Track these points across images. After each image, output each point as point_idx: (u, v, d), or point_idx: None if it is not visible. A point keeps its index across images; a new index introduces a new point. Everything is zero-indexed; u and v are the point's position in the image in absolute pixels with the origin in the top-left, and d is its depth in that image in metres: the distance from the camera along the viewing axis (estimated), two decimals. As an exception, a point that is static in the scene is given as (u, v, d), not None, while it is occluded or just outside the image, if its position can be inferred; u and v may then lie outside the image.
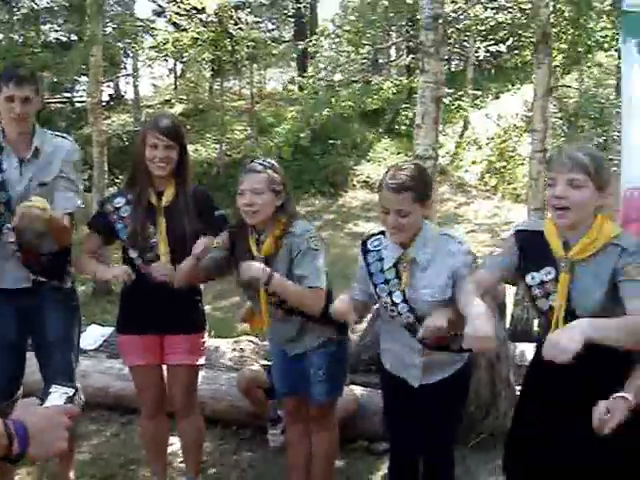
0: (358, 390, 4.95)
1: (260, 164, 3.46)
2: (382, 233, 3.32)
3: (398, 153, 18.41)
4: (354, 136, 19.17)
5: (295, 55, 20.70)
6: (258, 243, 3.50)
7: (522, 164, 15.79)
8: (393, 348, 3.40)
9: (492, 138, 17.23)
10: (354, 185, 17.79)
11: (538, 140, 8.10)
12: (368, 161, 18.60)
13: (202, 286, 3.99)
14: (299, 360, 3.67)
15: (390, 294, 3.22)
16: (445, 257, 3.14)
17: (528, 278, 2.92)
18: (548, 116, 8.63)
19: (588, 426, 2.60)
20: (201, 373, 4.49)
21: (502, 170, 17.22)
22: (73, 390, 1.76)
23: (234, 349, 6.12)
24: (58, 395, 1.73)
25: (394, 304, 3.21)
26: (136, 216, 3.68)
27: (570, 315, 2.76)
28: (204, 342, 3.95)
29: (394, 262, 3.22)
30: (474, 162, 18.05)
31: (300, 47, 14.61)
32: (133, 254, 3.71)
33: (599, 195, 2.73)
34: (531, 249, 2.94)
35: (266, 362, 5.21)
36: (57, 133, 3.91)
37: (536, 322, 7.16)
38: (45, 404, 1.72)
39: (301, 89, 15.91)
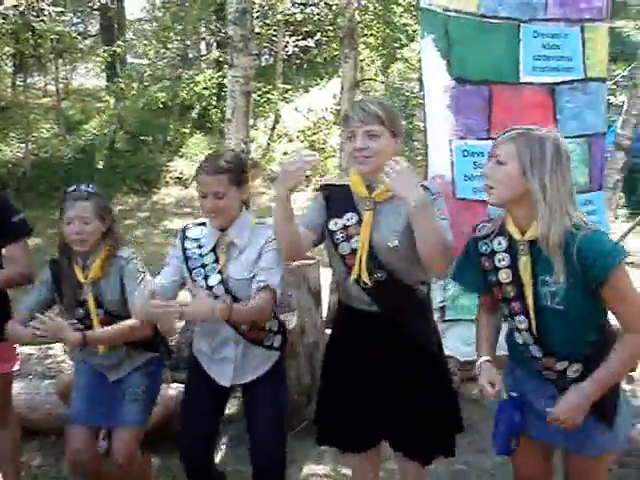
0: (177, 388, 4.91)
1: (85, 191, 3.46)
2: (203, 224, 3.40)
3: (210, 148, 18.34)
4: (166, 132, 18.93)
5: (103, 56, 20.03)
6: (84, 269, 3.45)
7: (332, 156, 16.15)
8: (206, 347, 3.42)
9: (303, 131, 17.50)
10: (167, 182, 17.56)
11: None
12: (181, 157, 18.42)
13: (9, 292, 3.82)
14: (116, 384, 3.61)
15: (206, 277, 3.28)
16: (259, 240, 3.28)
17: (331, 224, 3.10)
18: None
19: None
20: (16, 384, 4.32)
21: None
22: None
23: (47, 355, 5.94)
24: None
25: (209, 287, 3.26)
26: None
27: (372, 255, 2.98)
28: (15, 348, 3.80)
29: (213, 246, 3.30)
30: (285, 153, 18.28)
31: (109, 50, 14.22)
32: None
33: (394, 141, 2.99)
34: (335, 199, 3.14)
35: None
36: None
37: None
38: None
39: (113, 92, 15.53)
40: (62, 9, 17.03)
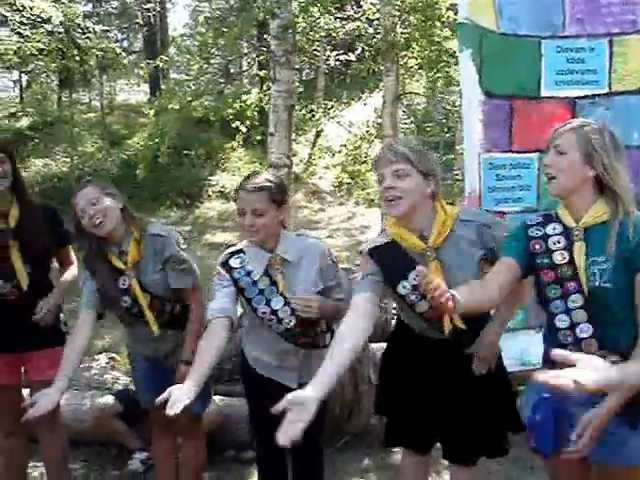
0: (222, 400, 4.94)
1: (86, 181, 3.56)
2: (240, 251, 3.34)
3: (252, 162, 18.45)
4: (208, 147, 19.08)
5: (146, 70, 20.34)
6: (121, 256, 3.44)
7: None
8: (267, 357, 3.40)
9: (344, 145, 17.53)
10: (209, 195, 17.69)
11: (389, 146, 8.31)
12: (223, 171, 18.55)
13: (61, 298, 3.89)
14: (170, 371, 3.59)
15: (268, 302, 3.25)
16: (310, 250, 3.28)
17: (400, 289, 2.96)
18: (397, 122, 8.87)
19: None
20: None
21: (355, 176, 17.56)
22: None
23: (92, 367, 5.99)
24: None
25: (274, 312, 3.24)
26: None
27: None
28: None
29: (264, 269, 3.26)
30: (327, 167, 18.32)
31: (151, 65, 14.36)
32: None
33: (427, 181, 2.89)
34: (388, 261, 2.99)
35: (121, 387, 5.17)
36: None
37: (394, 322, 7.33)
38: None
39: (156, 113, 15.67)
40: (107, 27, 17.29)
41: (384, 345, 3.48)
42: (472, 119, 4.59)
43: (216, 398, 4.89)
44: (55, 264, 3.91)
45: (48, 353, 3.70)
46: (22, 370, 3.85)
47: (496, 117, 4.56)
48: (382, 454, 4.65)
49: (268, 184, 3.21)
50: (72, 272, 3.87)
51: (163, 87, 13.34)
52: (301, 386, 3.36)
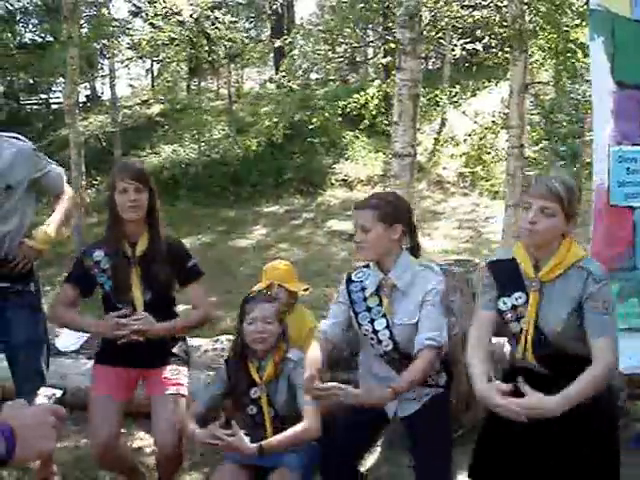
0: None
1: (269, 294, 3.69)
2: (366, 266, 3.44)
3: (377, 151, 18.44)
4: (332, 135, 19.19)
5: (272, 54, 20.74)
6: (258, 370, 3.53)
7: (500, 160, 15.87)
8: (368, 377, 3.45)
9: (470, 135, 17.29)
10: (332, 184, 17.79)
11: (515, 136, 8.16)
12: (346, 159, 18.61)
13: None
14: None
15: (372, 322, 3.30)
16: (422, 283, 3.26)
17: (500, 304, 3.06)
18: (524, 112, 8.68)
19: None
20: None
21: (480, 167, 17.29)
22: (61, 391, 1.75)
23: (214, 348, 6.11)
24: (46, 396, 1.72)
25: (375, 331, 3.29)
26: (116, 270, 3.71)
27: (538, 334, 2.94)
28: (185, 375, 3.91)
29: (376, 288, 3.32)
30: (452, 156, 18.11)
31: (276, 45, 14.59)
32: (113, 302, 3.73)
33: (567, 223, 2.92)
34: (503, 277, 3.09)
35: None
36: (9, 134, 3.91)
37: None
38: (34, 405, 1.69)
39: (278, 87, 15.90)
40: (235, 17, 17.60)
41: (500, 339, 3.44)
42: (602, 110, 4.45)
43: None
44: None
45: (165, 369, 3.81)
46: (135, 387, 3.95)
47: (628, 108, 4.40)
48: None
49: (376, 202, 3.29)
50: (197, 315, 3.90)
51: (285, 72, 13.46)
52: (395, 420, 3.37)
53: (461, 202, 16.55)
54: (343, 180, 17.79)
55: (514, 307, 3.01)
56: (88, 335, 6.14)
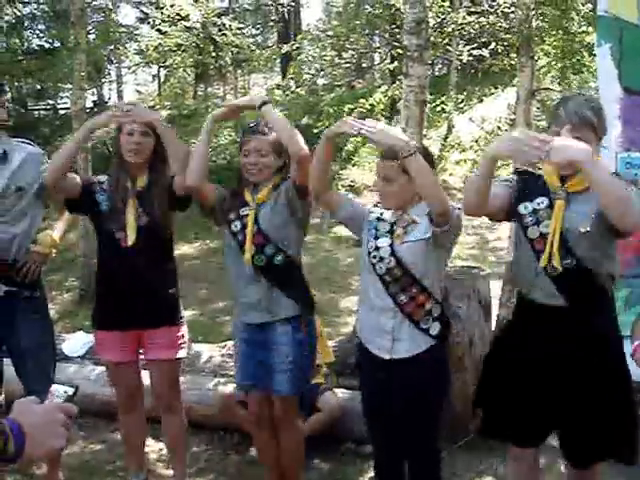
0: (343, 393, 4.96)
1: (265, 126, 3.63)
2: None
3: (383, 157, 18.44)
4: (338, 141, 19.17)
5: (278, 60, 20.78)
6: (253, 191, 3.67)
7: (506, 166, 15.87)
8: (366, 316, 3.45)
9: (476, 141, 17.28)
10: (339, 189, 17.77)
11: (521, 143, 8.13)
12: (353, 165, 18.60)
13: (179, 282, 4.02)
14: (264, 346, 3.68)
15: (376, 238, 3.34)
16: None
17: (521, 207, 3.09)
18: (531, 119, 8.66)
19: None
20: (188, 378, 4.49)
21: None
22: (73, 389, 1.75)
23: (221, 354, 6.11)
24: (57, 394, 1.72)
25: (377, 248, 3.31)
26: (113, 194, 3.76)
27: (562, 237, 2.94)
28: (183, 335, 3.97)
29: (393, 221, 3.34)
30: (458, 163, 18.08)
31: (283, 50, 14.61)
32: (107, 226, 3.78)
33: (597, 141, 2.97)
34: (527, 184, 3.12)
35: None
36: (20, 139, 3.95)
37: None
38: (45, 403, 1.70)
39: (285, 92, 15.92)
40: (242, 24, 17.63)
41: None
42: (609, 116, 4.44)
43: (338, 391, 4.92)
44: None
45: (164, 332, 3.85)
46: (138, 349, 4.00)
47: (635, 114, 4.40)
48: (505, 455, 4.55)
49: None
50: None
51: (291, 76, 13.48)
52: (392, 362, 3.35)
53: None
54: (350, 186, 17.75)
55: (535, 211, 3.03)
56: (94, 341, 6.16)
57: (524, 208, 3.07)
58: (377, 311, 3.36)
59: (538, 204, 3.03)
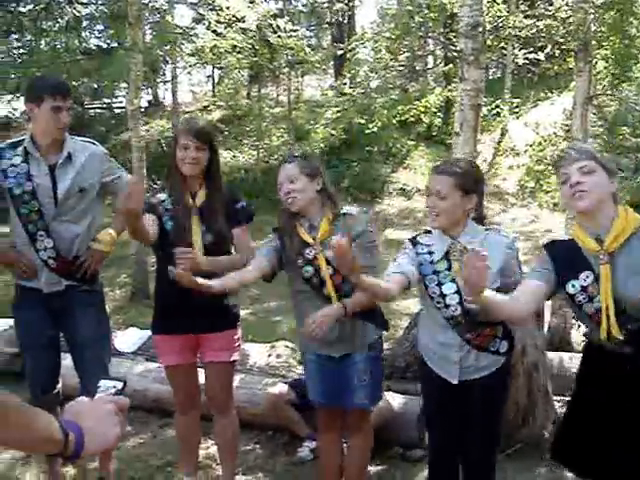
0: (394, 397, 4.94)
1: (290, 155, 3.63)
2: (429, 232, 3.39)
3: (436, 161, 18.34)
4: (388, 141, 19.12)
5: (332, 62, 20.82)
6: (310, 231, 3.54)
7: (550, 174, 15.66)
8: (431, 345, 3.41)
9: (530, 146, 17.09)
10: (390, 192, 17.75)
11: (577, 148, 8.02)
12: (404, 169, 18.56)
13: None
14: (340, 366, 3.64)
15: (440, 285, 3.26)
16: (495, 247, 3.19)
17: (569, 287, 2.94)
18: (588, 125, 8.55)
19: None
20: (237, 377, 4.51)
21: (540, 178, 17.06)
22: (122, 383, 1.77)
23: (270, 354, 6.14)
24: (107, 388, 1.74)
25: (442, 295, 3.25)
26: (177, 214, 3.78)
27: (619, 307, 2.81)
28: (238, 338, 4.00)
29: (444, 253, 3.27)
30: (511, 168, 17.92)
31: (338, 52, 14.63)
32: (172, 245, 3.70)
33: (611, 180, 2.87)
34: (564, 259, 2.98)
35: (296, 376, 5.29)
36: (83, 139, 4.00)
37: (574, 331, 7.12)
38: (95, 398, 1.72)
39: (341, 94, 15.95)
40: (296, 26, 17.68)
41: (561, 354, 3.38)
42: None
43: (387, 394, 4.91)
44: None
45: (223, 335, 3.89)
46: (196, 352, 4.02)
47: None
48: (553, 466, 4.50)
49: (455, 169, 3.23)
50: (237, 259, 3.85)
51: (346, 80, 13.50)
52: (463, 384, 3.33)
53: (520, 213, 16.36)
54: (401, 189, 17.73)
55: (583, 288, 2.89)
56: (147, 337, 6.24)
57: (572, 287, 2.92)
58: (442, 344, 3.34)
59: (584, 279, 2.89)
